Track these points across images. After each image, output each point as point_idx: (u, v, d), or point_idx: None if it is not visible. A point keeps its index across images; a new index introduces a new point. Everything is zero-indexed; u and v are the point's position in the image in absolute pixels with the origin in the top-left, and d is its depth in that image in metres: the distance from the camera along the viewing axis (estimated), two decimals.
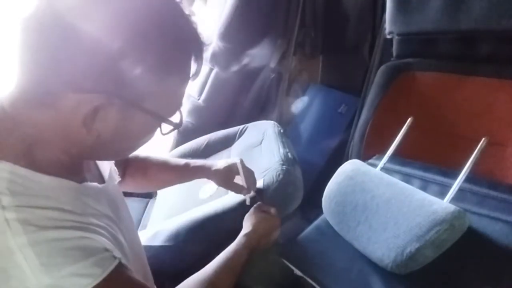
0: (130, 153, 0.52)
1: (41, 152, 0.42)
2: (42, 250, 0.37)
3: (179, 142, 1.43)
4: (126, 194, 1.30)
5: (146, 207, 1.26)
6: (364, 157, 0.98)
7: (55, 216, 0.40)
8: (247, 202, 0.80)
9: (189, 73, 0.45)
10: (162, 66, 0.40)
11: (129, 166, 0.77)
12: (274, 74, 1.61)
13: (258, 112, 1.62)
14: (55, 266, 0.37)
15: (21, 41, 0.37)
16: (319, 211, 0.88)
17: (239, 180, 0.80)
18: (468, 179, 0.73)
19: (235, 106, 1.60)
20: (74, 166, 0.47)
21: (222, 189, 1.00)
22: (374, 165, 0.89)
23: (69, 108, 0.39)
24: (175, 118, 0.47)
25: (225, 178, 0.80)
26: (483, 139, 0.75)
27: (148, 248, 0.81)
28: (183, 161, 0.83)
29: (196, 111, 1.57)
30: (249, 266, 0.67)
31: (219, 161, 0.82)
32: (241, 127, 1.23)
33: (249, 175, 0.80)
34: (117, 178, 0.63)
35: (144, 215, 1.20)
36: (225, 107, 1.59)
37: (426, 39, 0.95)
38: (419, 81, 0.96)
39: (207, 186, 1.05)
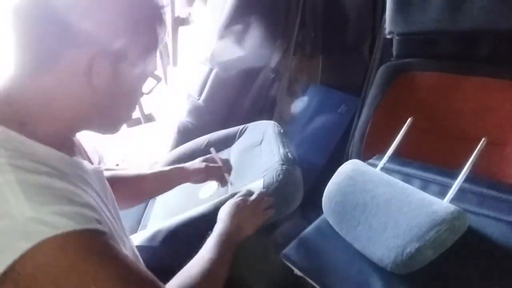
0: (121, 124, 0.56)
1: (39, 123, 0.46)
2: (29, 188, 0.38)
3: (179, 142, 1.44)
4: None
5: (146, 207, 1.26)
6: (364, 157, 0.98)
7: (46, 170, 0.42)
8: (230, 183, 0.88)
9: (157, 37, 0.52)
10: (133, 25, 0.48)
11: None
12: (274, 74, 1.61)
13: (258, 112, 1.62)
14: (40, 203, 0.38)
15: (18, 14, 0.43)
16: (319, 211, 0.88)
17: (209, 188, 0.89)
18: (468, 179, 0.73)
19: (235, 106, 1.60)
20: (68, 142, 0.52)
21: (222, 188, 1.01)
22: (374, 165, 0.89)
23: (67, 67, 0.45)
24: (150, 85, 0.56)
25: (203, 172, 0.86)
26: (483, 139, 0.75)
27: (146, 248, 0.81)
28: (155, 171, 0.86)
29: (196, 111, 1.57)
30: (249, 266, 0.67)
31: (189, 164, 0.88)
32: (241, 127, 1.23)
33: (225, 162, 0.90)
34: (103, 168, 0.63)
35: (144, 215, 1.20)
36: (225, 107, 1.59)
37: (426, 39, 0.95)
38: (419, 81, 0.96)
39: (207, 186, 1.05)
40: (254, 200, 0.76)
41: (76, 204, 0.41)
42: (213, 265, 0.57)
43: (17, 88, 0.45)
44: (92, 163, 0.58)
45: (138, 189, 0.83)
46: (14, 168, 0.39)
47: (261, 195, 0.78)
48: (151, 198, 0.97)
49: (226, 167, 0.89)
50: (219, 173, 0.89)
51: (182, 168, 0.86)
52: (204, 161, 0.89)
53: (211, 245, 0.62)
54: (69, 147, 0.52)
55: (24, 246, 0.36)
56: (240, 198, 0.75)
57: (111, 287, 0.40)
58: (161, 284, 0.47)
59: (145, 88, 0.55)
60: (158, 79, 0.56)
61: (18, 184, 0.38)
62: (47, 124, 0.46)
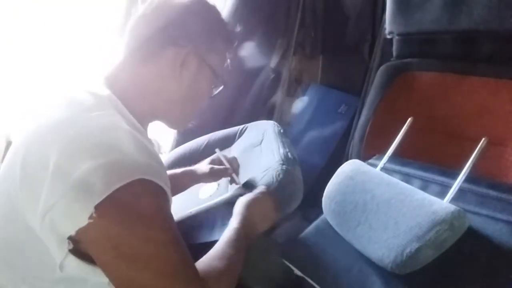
0: (190, 120, 0.69)
1: (134, 102, 0.56)
2: (135, 138, 0.48)
3: (179, 142, 1.43)
4: None
5: None
6: (364, 157, 0.98)
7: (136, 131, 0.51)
8: (237, 183, 0.85)
9: (229, 49, 0.67)
10: (218, 34, 0.63)
11: None
12: (274, 74, 1.61)
13: (258, 112, 1.62)
14: (141, 151, 0.47)
15: (140, 16, 0.61)
16: (319, 211, 0.88)
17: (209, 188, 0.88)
18: (468, 179, 0.73)
19: (235, 106, 1.60)
20: (146, 126, 0.61)
21: (222, 188, 1.01)
22: (374, 165, 0.89)
23: (167, 59, 0.58)
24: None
25: (209, 176, 0.89)
26: (483, 139, 0.75)
27: None
28: (172, 172, 0.88)
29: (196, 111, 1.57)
30: (249, 266, 0.67)
31: (197, 166, 0.92)
32: (241, 127, 1.23)
33: (232, 161, 0.90)
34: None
35: None
36: (225, 107, 1.58)
37: (426, 39, 0.95)
38: (419, 81, 0.96)
39: (207, 186, 1.05)
40: (269, 197, 0.74)
41: (163, 168, 0.50)
42: (232, 259, 0.58)
43: (124, 72, 0.58)
44: None
45: None
46: (124, 120, 0.50)
47: (272, 191, 0.77)
48: None
49: (233, 166, 0.89)
50: (226, 174, 0.89)
51: (192, 171, 0.90)
52: (211, 162, 0.91)
53: (230, 239, 0.61)
54: (146, 131, 0.62)
55: (128, 178, 0.43)
56: (258, 193, 0.73)
57: (166, 242, 0.46)
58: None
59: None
60: (224, 84, 0.67)
61: (130, 133, 0.47)
62: (139, 104, 0.57)
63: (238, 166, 0.90)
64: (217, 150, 0.91)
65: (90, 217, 0.41)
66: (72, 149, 0.45)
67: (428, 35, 0.94)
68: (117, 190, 0.42)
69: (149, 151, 0.49)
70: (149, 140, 0.58)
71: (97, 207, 0.42)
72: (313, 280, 0.75)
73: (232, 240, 0.60)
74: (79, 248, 0.45)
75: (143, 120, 0.59)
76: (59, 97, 0.56)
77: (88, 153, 0.44)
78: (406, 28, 0.96)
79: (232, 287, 0.57)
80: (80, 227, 0.42)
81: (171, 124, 0.68)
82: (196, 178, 0.90)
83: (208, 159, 0.92)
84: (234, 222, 0.64)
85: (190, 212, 0.86)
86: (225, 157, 0.90)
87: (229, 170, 0.87)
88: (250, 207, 0.68)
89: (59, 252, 0.45)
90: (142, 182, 0.44)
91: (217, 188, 1.02)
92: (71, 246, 0.44)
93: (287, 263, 0.81)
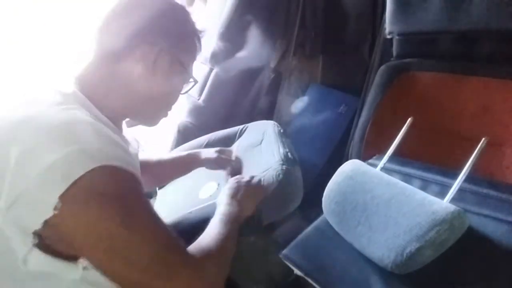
0: (161, 117, 0.68)
1: (104, 100, 0.57)
2: (98, 129, 0.49)
3: (179, 142, 1.43)
4: None
5: None
6: (364, 157, 0.98)
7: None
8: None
9: (198, 49, 0.69)
10: (188, 35, 0.65)
11: None
12: (274, 74, 1.61)
13: (258, 112, 1.62)
14: (105, 142, 0.48)
15: (110, 13, 0.59)
16: (319, 211, 0.88)
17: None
18: (468, 179, 0.73)
19: (235, 106, 1.60)
20: (119, 124, 0.63)
21: (222, 188, 1.01)
22: (374, 165, 0.89)
23: (138, 57, 0.57)
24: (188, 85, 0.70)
25: (214, 161, 0.92)
26: (483, 139, 0.75)
27: None
28: (174, 154, 0.95)
29: (196, 111, 1.57)
30: (249, 266, 0.67)
31: (202, 151, 0.96)
32: (241, 127, 1.23)
33: (237, 159, 0.94)
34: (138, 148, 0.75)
35: None
36: (225, 107, 1.59)
37: (426, 39, 0.95)
38: (419, 81, 0.96)
39: (207, 186, 1.05)
40: (247, 181, 0.79)
41: (129, 155, 0.50)
42: (223, 238, 0.60)
43: (95, 70, 0.58)
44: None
45: (159, 174, 0.93)
46: (88, 114, 0.51)
47: (252, 177, 0.81)
48: (170, 182, 1.06)
49: (236, 165, 0.92)
50: (229, 165, 0.93)
51: (196, 153, 0.95)
52: (219, 151, 0.95)
53: (216, 223, 0.64)
54: (120, 128, 0.63)
55: (90, 165, 0.43)
56: (235, 180, 0.78)
57: (144, 223, 0.47)
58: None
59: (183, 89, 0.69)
60: (195, 81, 0.68)
61: (91, 124, 0.48)
62: (110, 102, 0.57)
63: (240, 167, 0.92)
64: (235, 145, 0.96)
65: (55, 208, 0.42)
66: (33, 143, 0.44)
67: (428, 35, 0.94)
68: (80, 178, 0.42)
69: (112, 140, 0.49)
70: (120, 135, 0.59)
71: (61, 197, 0.42)
72: (313, 280, 0.75)
73: (217, 223, 0.63)
74: (47, 242, 0.45)
75: (115, 117, 0.60)
76: (22, 97, 0.55)
77: (50, 146, 0.44)
78: (406, 28, 0.96)
79: (226, 266, 0.58)
80: (46, 218, 0.42)
81: (144, 121, 0.69)
82: (199, 161, 0.93)
83: (217, 148, 0.96)
84: (217, 212, 0.68)
85: (190, 212, 0.86)
86: (234, 154, 0.95)
87: (233, 163, 0.91)
88: (230, 194, 0.73)
89: (23, 246, 0.44)
90: (105, 168, 0.44)
91: (217, 188, 1.02)
92: (36, 241, 0.44)
93: (287, 263, 0.81)
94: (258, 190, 0.78)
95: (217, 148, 0.97)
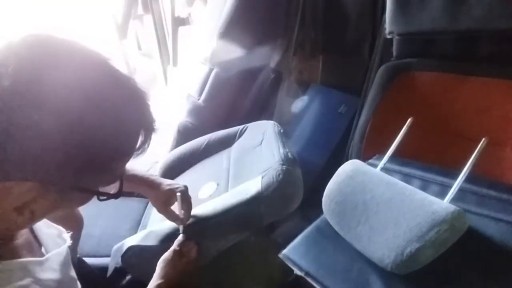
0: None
1: None
2: None
3: (179, 142, 1.43)
4: (126, 194, 1.31)
5: (146, 207, 1.26)
6: (364, 157, 0.98)
7: None
8: (180, 231, 0.79)
9: (132, 152, 0.44)
10: (102, 155, 0.40)
11: None
12: (274, 74, 1.61)
13: (258, 112, 1.62)
14: None
15: None
16: (319, 211, 0.88)
17: (178, 210, 0.79)
18: (468, 179, 0.73)
19: (235, 106, 1.60)
20: (8, 244, 0.45)
21: (221, 188, 1.01)
22: (374, 165, 0.89)
23: (8, 195, 0.37)
24: (115, 187, 0.47)
25: (163, 201, 0.79)
26: (483, 139, 0.76)
27: (142, 247, 0.81)
28: (130, 171, 0.80)
29: (196, 111, 1.57)
30: (249, 266, 0.67)
31: (164, 182, 0.80)
32: (241, 127, 1.23)
33: (187, 207, 0.80)
34: (67, 240, 0.58)
35: (144, 215, 1.20)
36: (225, 107, 1.59)
37: (426, 39, 0.95)
38: (419, 81, 0.96)
39: (207, 186, 1.05)
40: (174, 251, 0.75)
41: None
42: None
43: None
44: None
45: None
46: None
47: (179, 244, 0.76)
48: None
49: (184, 216, 0.80)
50: (172, 218, 0.81)
51: (151, 187, 0.81)
52: (169, 193, 0.80)
53: None
54: (10, 249, 0.46)
55: None
56: (171, 250, 0.75)
57: None
58: None
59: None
60: (114, 196, 0.47)
61: None
62: None
63: (188, 218, 0.81)
64: (183, 189, 0.80)
65: None
66: None
67: (428, 35, 0.94)
68: None
69: None
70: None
71: None
72: (313, 280, 0.75)
73: None
74: None
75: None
76: None
77: None
78: (406, 28, 0.96)
79: None
80: None
81: None
82: (149, 195, 0.81)
83: (169, 186, 0.80)
84: (156, 278, 0.68)
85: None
86: (187, 203, 0.81)
87: (179, 222, 0.80)
88: (160, 266, 0.71)
89: None
90: None
91: (216, 188, 1.02)
92: None
93: (287, 263, 0.81)
94: (181, 256, 0.74)
95: (167, 188, 0.80)
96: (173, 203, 0.80)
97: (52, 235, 0.56)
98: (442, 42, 0.92)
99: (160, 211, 0.80)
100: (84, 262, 0.89)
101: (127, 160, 0.45)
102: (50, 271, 0.47)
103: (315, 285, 0.75)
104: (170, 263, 0.72)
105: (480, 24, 0.81)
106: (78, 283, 0.54)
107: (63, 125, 0.35)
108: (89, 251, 1.02)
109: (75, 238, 0.88)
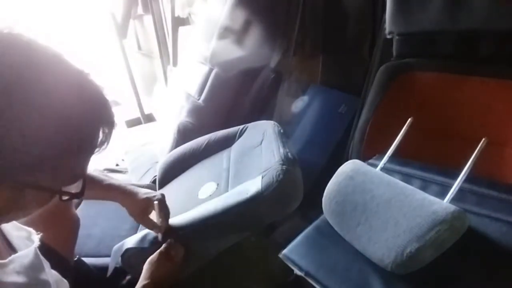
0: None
1: None
2: None
3: (179, 142, 1.43)
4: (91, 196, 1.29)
5: None
6: (364, 157, 0.98)
7: None
8: (159, 238, 0.79)
9: (92, 149, 0.44)
10: (59, 151, 0.39)
11: None
12: (274, 74, 1.61)
13: (258, 112, 1.62)
14: None
15: None
16: (319, 211, 0.88)
17: (154, 216, 0.79)
18: (468, 179, 0.73)
19: (235, 106, 1.60)
20: None
21: (221, 188, 1.01)
22: (374, 165, 0.89)
23: None
24: (77, 187, 0.46)
25: (141, 210, 0.79)
26: (483, 139, 0.76)
27: (141, 249, 0.81)
28: (106, 180, 0.80)
29: (196, 111, 1.57)
30: (249, 266, 0.67)
31: (140, 192, 0.80)
32: (241, 127, 1.23)
33: (165, 215, 0.79)
34: (36, 241, 0.56)
35: None
36: (225, 107, 1.58)
37: (426, 39, 0.95)
38: (419, 81, 0.96)
39: (207, 186, 1.05)
40: (160, 253, 0.74)
41: None
42: None
43: None
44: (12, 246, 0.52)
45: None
46: None
47: (166, 246, 0.75)
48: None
49: (162, 224, 0.80)
50: (150, 225, 0.81)
51: (128, 196, 0.80)
52: (146, 201, 0.79)
53: None
54: None
55: None
56: (157, 252, 0.74)
57: None
58: None
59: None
60: (75, 196, 0.46)
61: None
62: None
63: (166, 225, 0.81)
64: (160, 197, 0.79)
65: None
66: None
67: (428, 35, 0.94)
68: None
69: None
70: None
71: None
72: (313, 280, 0.75)
73: None
74: None
75: None
76: None
77: None
78: (406, 28, 0.96)
79: None
80: None
81: None
82: (126, 203, 0.80)
83: (145, 194, 0.80)
84: (142, 279, 0.68)
85: (192, 215, 0.86)
86: (164, 211, 0.80)
87: (156, 230, 0.80)
88: (146, 268, 0.71)
89: None
90: None
91: (217, 188, 1.02)
92: None
93: (287, 263, 0.81)
94: (167, 259, 0.74)
95: (144, 197, 0.79)
96: (150, 212, 0.80)
97: (21, 237, 0.55)
98: (442, 42, 0.92)
99: (137, 220, 0.80)
100: (83, 262, 0.89)
101: (86, 158, 0.44)
102: (13, 274, 0.45)
103: (315, 285, 0.75)
104: (155, 264, 0.72)
105: (480, 24, 0.81)
106: (56, 286, 0.52)
107: (7, 121, 0.35)
108: (89, 251, 1.02)
109: (72, 239, 0.88)
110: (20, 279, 0.46)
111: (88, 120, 0.41)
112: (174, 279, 0.73)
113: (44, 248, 0.53)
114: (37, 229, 0.57)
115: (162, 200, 0.79)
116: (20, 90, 0.36)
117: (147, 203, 0.79)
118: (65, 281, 0.57)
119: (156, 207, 0.78)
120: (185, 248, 0.76)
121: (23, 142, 0.36)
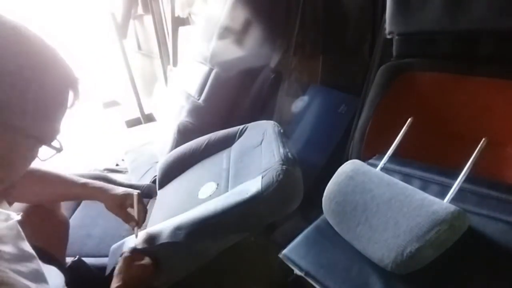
0: (6, 184, 0.52)
1: None
2: None
3: (179, 142, 1.43)
4: None
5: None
6: (364, 157, 0.98)
7: None
8: (135, 236, 0.81)
9: (65, 105, 0.51)
10: (40, 101, 0.46)
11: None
12: (274, 74, 1.61)
13: (258, 112, 1.62)
14: None
15: None
16: (319, 211, 0.88)
17: (132, 212, 0.82)
18: (468, 179, 0.73)
19: (235, 106, 1.60)
20: None
21: (221, 188, 1.01)
22: (374, 165, 0.89)
23: None
24: (55, 144, 0.52)
25: (119, 204, 0.82)
26: (483, 139, 0.76)
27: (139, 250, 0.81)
28: (81, 180, 0.84)
29: (196, 111, 1.57)
30: (249, 266, 0.67)
31: (118, 188, 0.84)
32: (241, 127, 1.23)
33: (141, 210, 0.82)
34: (15, 217, 0.57)
35: None
36: (225, 107, 1.58)
37: (426, 39, 0.95)
38: (419, 81, 0.96)
39: (206, 186, 1.05)
40: (124, 258, 0.75)
41: None
42: None
43: None
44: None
45: (53, 191, 0.83)
46: None
47: (132, 251, 0.77)
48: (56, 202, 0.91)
49: (139, 218, 0.83)
50: (128, 219, 0.83)
51: (105, 191, 0.83)
52: (124, 196, 0.83)
53: None
54: None
55: None
56: (124, 256, 0.76)
57: None
58: None
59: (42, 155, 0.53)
60: (57, 150, 0.53)
61: None
62: None
63: (144, 220, 0.84)
64: (136, 193, 0.82)
65: None
66: None
67: (428, 35, 0.94)
68: None
69: None
70: None
71: None
72: (313, 280, 0.75)
73: None
74: None
75: None
76: None
77: None
78: (406, 28, 0.96)
79: None
80: None
81: None
82: (105, 198, 0.83)
83: (124, 191, 0.84)
84: (114, 282, 0.69)
85: (193, 214, 0.86)
86: (142, 204, 0.83)
87: (133, 224, 0.82)
88: (119, 268, 0.72)
89: None
90: None
91: (216, 188, 1.02)
92: None
93: (287, 263, 0.81)
94: (149, 272, 0.75)
95: (123, 192, 0.83)
96: (127, 207, 0.82)
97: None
98: (442, 42, 0.92)
99: (114, 212, 0.82)
100: (83, 262, 0.89)
101: (62, 114, 0.51)
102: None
103: (315, 285, 0.75)
104: (123, 267, 0.72)
105: (480, 24, 0.81)
106: (40, 263, 0.53)
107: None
108: (89, 251, 1.02)
109: (63, 241, 0.88)
110: (7, 248, 0.47)
111: (57, 78, 0.49)
112: (150, 279, 0.74)
113: (35, 251, 0.54)
114: (33, 233, 0.58)
115: (139, 194, 0.83)
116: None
117: (125, 198, 0.82)
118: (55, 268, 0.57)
119: (135, 198, 0.81)
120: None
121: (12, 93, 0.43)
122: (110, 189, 0.84)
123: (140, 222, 0.82)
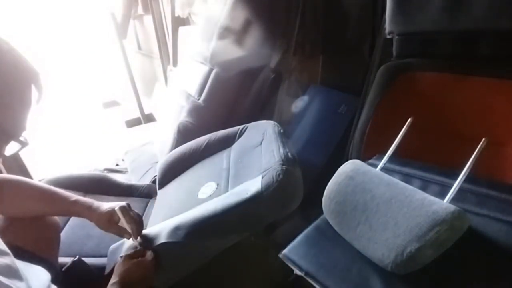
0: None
1: None
2: None
3: (179, 142, 1.43)
4: (125, 194, 1.31)
5: (146, 207, 1.26)
6: (364, 157, 0.98)
7: None
8: (135, 244, 0.81)
9: (30, 100, 0.53)
10: (4, 96, 0.49)
11: (5, 187, 0.76)
12: (274, 74, 1.61)
13: (258, 112, 1.62)
14: None
15: None
16: (319, 211, 0.88)
17: (125, 224, 0.80)
18: (468, 179, 0.73)
19: (235, 106, 1.60)
20: None
21: (221, 188, 1.01)
22: (374, 165, 0.89)
23: None
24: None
25: (106, 221, 0.81)
26: (483, 139, 0.76)
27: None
28: (73, 197, 0.83)
29: (196, 111, 1.57)
30: (249, 266, 0.67)
31: (104, 204, 0.83)
32: (241, 127, 1.23)
33: (132, 221, 0.81)
34: None
35: (144, 215, 1.20)
36: (225, 107, 1.58)
37: (426, 39, 0.95)
38: (419, 81, 0.96)
39: (207, 186, 1.05)
40: (124, 256, 0.75)
41: None
42: None
43: None
44: None
45: (35, 206, 0.81)
46: None
47: (137, 252, 0.77)
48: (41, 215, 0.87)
49: (134, 228, 0.81)
50: (121, 233, 0.82)
51: (93, 211, 0.82)
52: (109, 213, 0.81)
53: None
54: None
55: None
56: (124, 255, 0.75)
57: None
58: None
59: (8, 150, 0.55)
60: (23, 144, 0.55)
61: None
62: None
63: (141, 226, 0.83)
64: (120, 206, 0.81)
65: None
66: None
67: (428, 35, 0.94)
68: None
69: None
70: None
71: None
72: (313, 280, 0.75)
73: None
74: None
75: None
76: None
77: None
78: (406, 28, 0.96)
79: None
80: None
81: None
82: (92, 217, 0.82)
83: (109, 207, 0.82)
84: (112, 279, 0.69)
85: (193, 214, 0.86)
86: (128, 216, 0.81)
87: (127, 236, 0.82)
88: (124, 274, 0.71)
89: None
90: None
91: (217, 188, 1.02)
92: None
93: (287, 263, 0.81)
94: (149, 268, 0.75)
95: (108, 209, 0.82)
96: (117, 221, 0.82)
97: None
98: (442, 42, 0.92)
99: (105, 229, 0.82)
100: (83, 262, 0.89)
101: (28, 110, 0.53)
102: None
103: (315, 285, 0.75)
104: (122, 265, 0.73)
105: (480, 24, 0.81)
106: (16, 261, 0.52)
107: None
108: (89, 251, 1.02)
109: (54, 243, 0.88)
110: None
111: (14, 68, 0.51)
112: (150, 276, 0.74)
113: (27, 254, 0.54)
114: (17, 236, 0.58)
115: (124, 207, 0.81)
116: None
117: (110, 214, 0.81)
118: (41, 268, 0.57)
119: (119, 213, 0.79)
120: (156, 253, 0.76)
121: None
122: (96, 208, 0.82)
123: (134, 233, 0.80)
